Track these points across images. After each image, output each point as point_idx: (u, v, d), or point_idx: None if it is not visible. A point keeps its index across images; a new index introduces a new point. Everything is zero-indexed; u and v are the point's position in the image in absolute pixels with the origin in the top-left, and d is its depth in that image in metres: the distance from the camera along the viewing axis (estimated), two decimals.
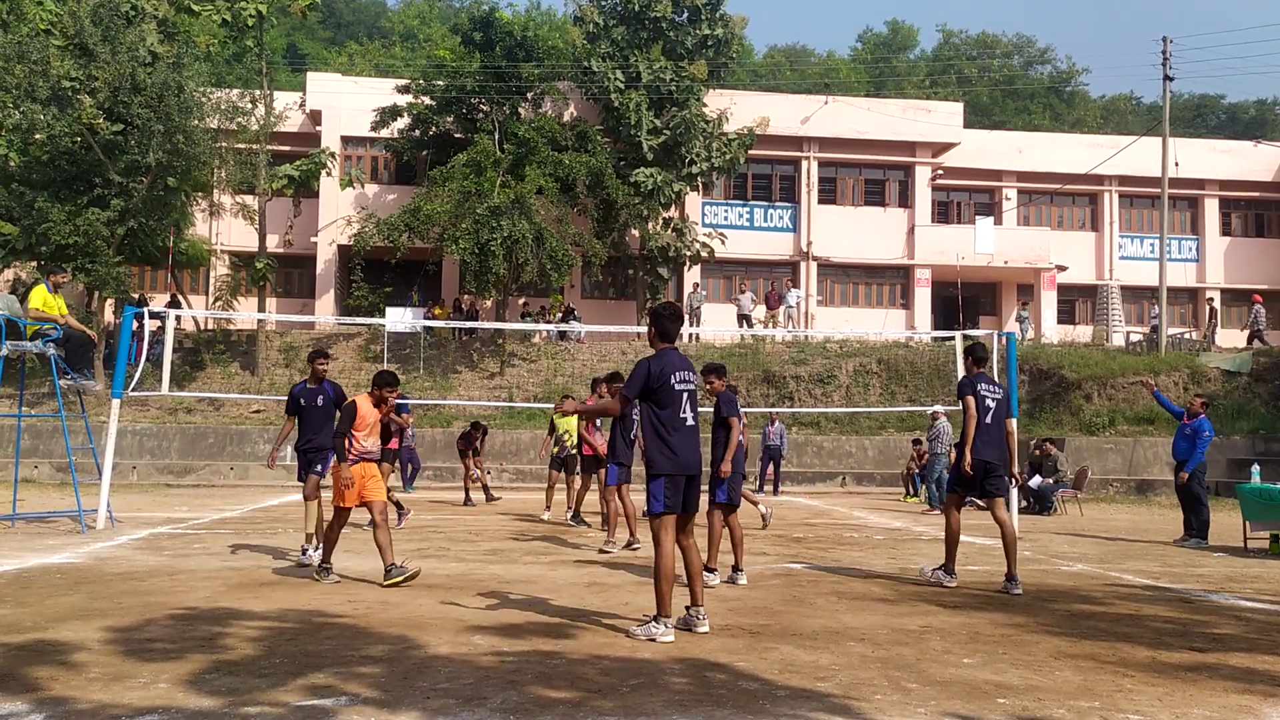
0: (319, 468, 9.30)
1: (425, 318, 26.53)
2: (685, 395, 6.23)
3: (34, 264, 24.01)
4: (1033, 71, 65.42)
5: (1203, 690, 5.07)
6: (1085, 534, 13.46)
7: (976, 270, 32.80)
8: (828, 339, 28.17)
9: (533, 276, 25.86)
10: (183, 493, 18.47)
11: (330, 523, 8.27)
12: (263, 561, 9.15)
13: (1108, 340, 30.44)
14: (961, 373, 15.68)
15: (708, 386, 8.42)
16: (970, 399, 8.20)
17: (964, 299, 31.73)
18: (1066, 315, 34.41)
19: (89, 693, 4.61)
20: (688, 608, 6.30)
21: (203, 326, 27.86)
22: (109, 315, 25.05)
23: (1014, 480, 13.46)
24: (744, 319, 29.24)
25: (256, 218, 26.48)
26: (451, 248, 25.09)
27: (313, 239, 30.99)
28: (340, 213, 30.35)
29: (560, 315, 29.14)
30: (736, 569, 8.35)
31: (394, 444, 12.72)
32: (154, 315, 15.50)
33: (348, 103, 30.60)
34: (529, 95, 29.31)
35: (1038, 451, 17.90)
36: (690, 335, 27.97)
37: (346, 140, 31.45)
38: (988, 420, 8.23)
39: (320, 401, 9.38)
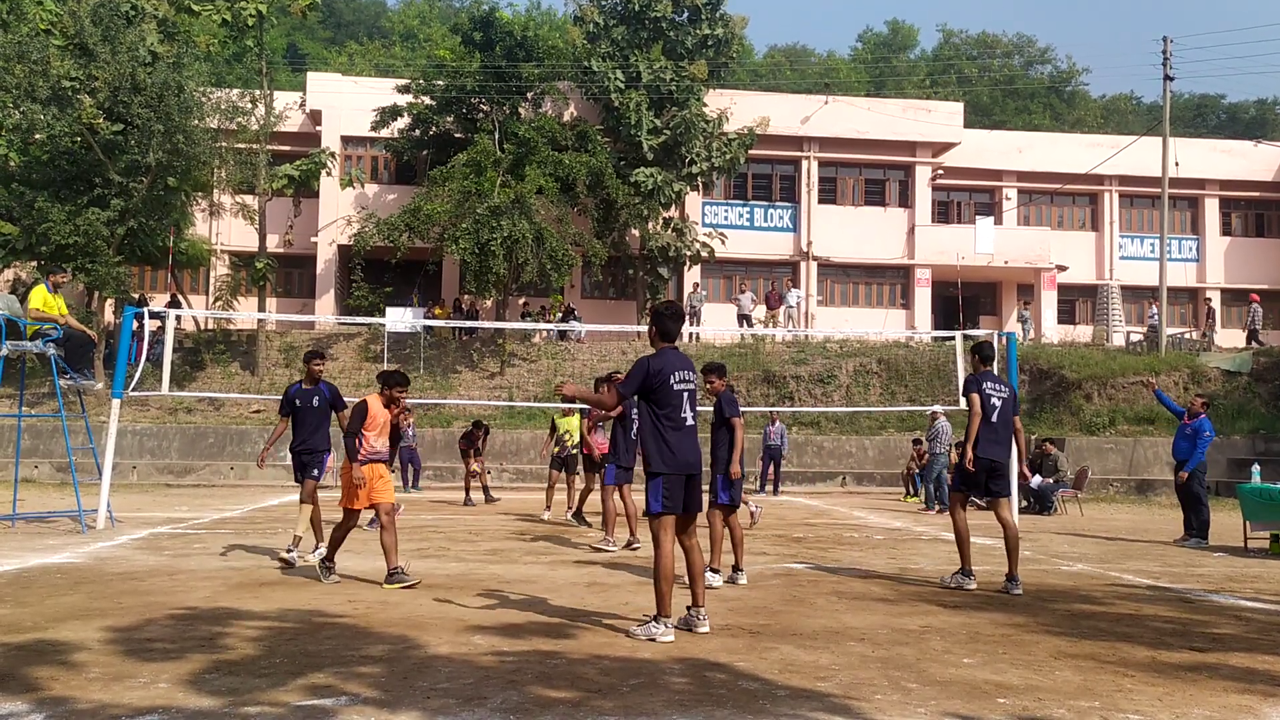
0: (315, 472, 9.23)
1: (425, 318, 26.52)
2: (685, 395, 6.22)
3: (34, 264, 24.02)
4: (1033, 71, 65.41)
5: (1203, 690, 5.07)
6: (1085, 534, 13.46)
7: (976, 270, 32.80)
8: (828, 339, 28.17)
9: (533, 276, 25.86)
10: (183, 493, 18.47)
11: (339, 524, 8.21)
12: (263, 561, 9.15)
13: (1108, 340, 30.44)
14: (962, 372, 15.79)
15: (708, 386, 8.39)
16: (975, 397, 8.16)
17: (964, 299, 31.73)
18: (1067, 315, 34.40)
19: (89, 692, 4.62)
20: (688, 608, 6.29)
21: (203, 326, 27.86)
22: (109, 315, 25.04)
23: (1023, 478, 13.43)
24: (744, 319, 29.24)
25: (256, 218, 26.48)
26: (451, 248, 25.09)
27: (313, 239, 30.99)
28: (340, 213, 30.35)
29: (560, 315, 29.14)
30: (737, 569, 8.35)
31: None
32: (154, 315, 15.50)
33: (348, 103, 30.61)
34: (529, 95, 29.30)
35: (1038, 450, 17.91)
36: (690, 335, 27.97)
37: (346, 140, 31.45)
38: (993, 419, 8.17)
39: (315, 403, 9.29)
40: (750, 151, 30.29)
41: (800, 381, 25.60)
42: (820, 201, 33.26)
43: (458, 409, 23.69)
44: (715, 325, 29.93)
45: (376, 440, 8.08)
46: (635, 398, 6.29)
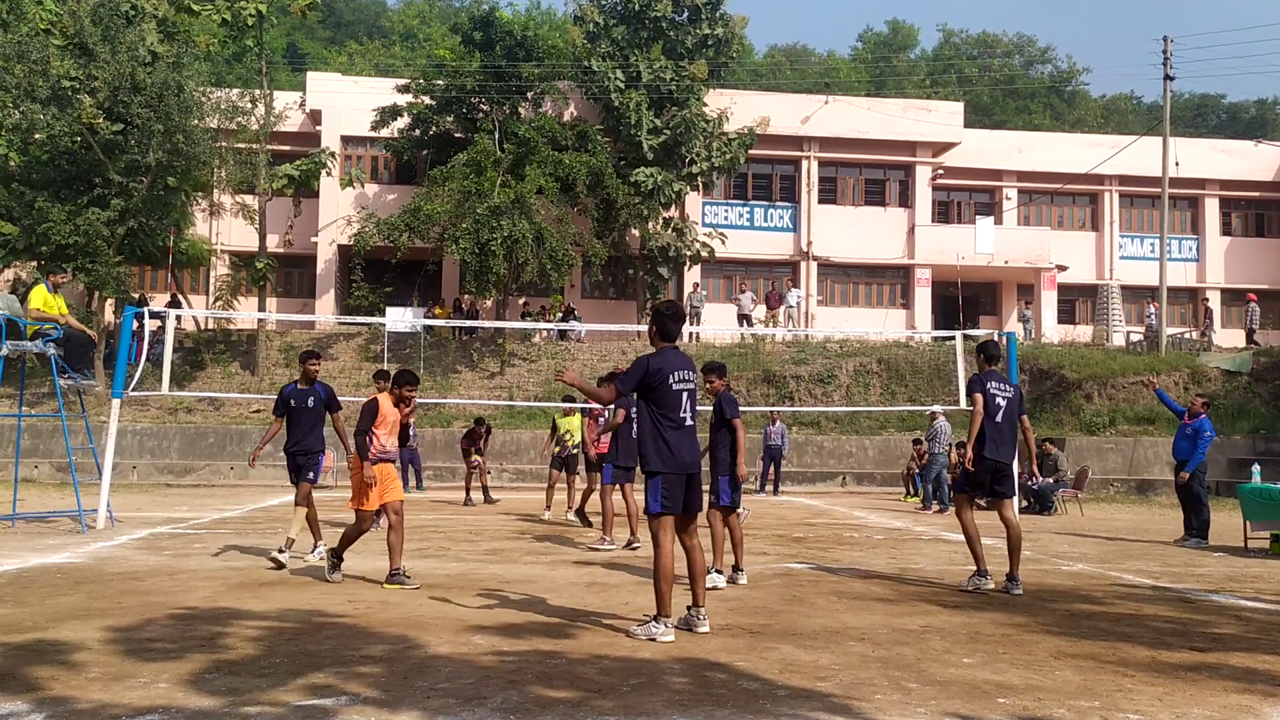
0: (310, 474, 9.15)
1: (425, 317, 26.52)
2: (684, 395, 6.21)
3: (34, 264, 24.02)
4: (1033, 71, 65.40)
5: (1203, 690, 5.07)
6: (1085, 534, 13.46)
7: (977, 270, 32.80)
8: (828, 339, 28.17)
9: (533, 276, 25.86)
10: (183, 492, 18.47)
11: (353, 525, 8.14)
12: (263, 561, 9.13)
13: (1108, 340, 30.45)
14: (963, 372, 15.80)
15: (708, 386, 8.35)
16: (978, 397, 8.10)
17: (964, 299, 31.73)
18: (1067, 315, 34.40)
19: (89, 692, 4.62)
20: (689, 608, 6.29)
21: (203, 326, 27.86)
22: (109, 315, 25.04)
23: (1033, 477, 13.40)
24: (744, 319, 29.23)
25: (256, 217, 26.47)
26: (451, 247, 25.09)
27: (313, 239, 30.99)
28: (340, 212, 30.35)
29: (560, 315, 29.14)
30: (737, 569, 8.34)
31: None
32: (154, 315, 15.50)
33: (348, 102, 30.60)
34: (529, 95, 29.30)
35: (1038, 450, 17.89)
36: (690, 335, 27.97)
37: (346, 140, 31.45)
38: (998, 419, 8.10)
39: (310, 403, 9.20)
40: (750, 151, 30.28)
41: (800, 381, 25.60)
42: (820, 201, 33.26)
43: (458, 409, 23.70)
44: (715, 325, 29.92)
45: (387, 439, 8.03)
46: (635, 397, 6.28)
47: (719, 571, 8.06)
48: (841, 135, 32.62)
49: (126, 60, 22.67)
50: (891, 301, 33.54)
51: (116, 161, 22.95)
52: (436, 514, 14.49)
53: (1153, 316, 30.66)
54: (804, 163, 33.13)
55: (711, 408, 8.25)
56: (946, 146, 33.65)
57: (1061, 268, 33.62)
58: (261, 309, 28.66)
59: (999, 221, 34.25)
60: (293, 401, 9.21)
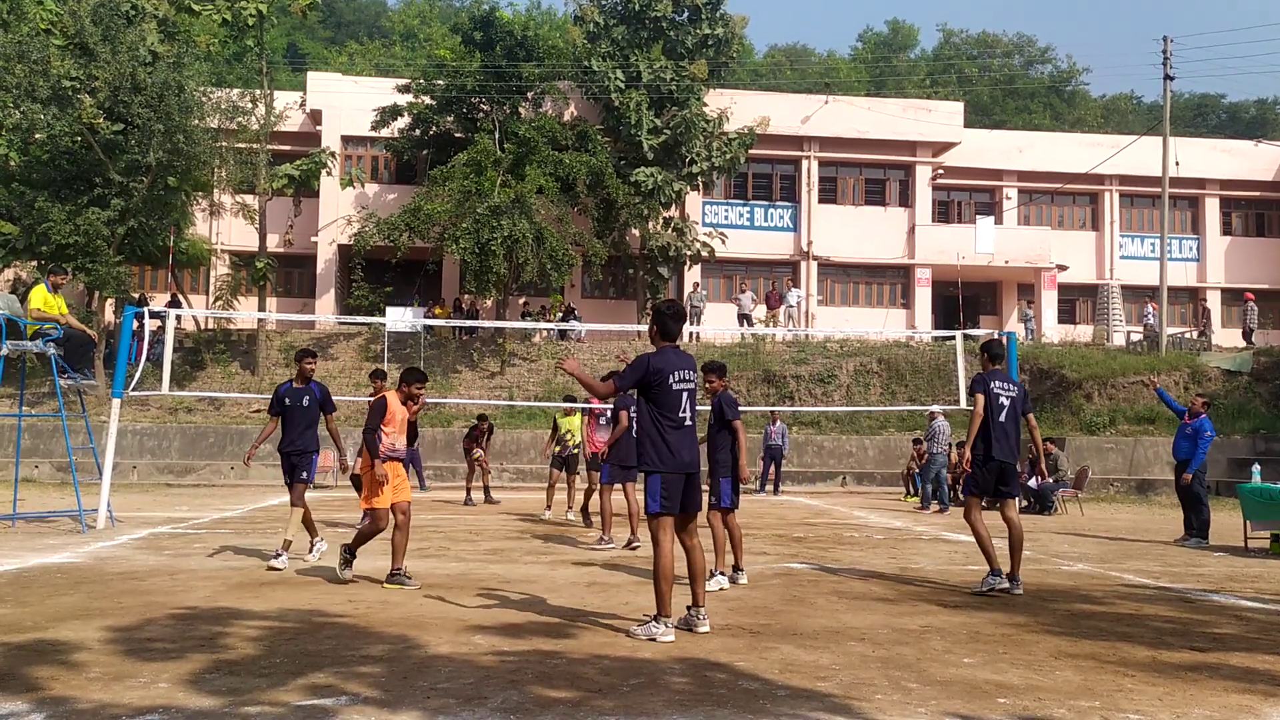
0: (305, 474, 9.09)
1: (425, 317, 26.53)
2: (684, 394, 6.21)
3: (34, 264, 24.03)
4: (1033, 71, 65.40)
5: (1203, 690, 5.07)
6: (1086, 534, 13.46)
7: (977, 270, 32.80)
8: (828, 339, 28.17)
9: (533, 276, 25.86)
10: (183, 492, 18.48)
11: (368, 524, 8.05)
12: (263, 561, 9.13)
13: (1108, 340, 30.45)
14: (963, 372, 15.79)
15: (707, 386, 8.30)
16: (980, 398, 8.06)
17: (964, 298, 31.73)
18: (1067, 315, 34.39)
19: (89, 692, 4.62)
20: (689, 608, 6.29)
21: (203, 326, 27.86)
22: (109, 315, 25.04)
23: (1040, 476, 13.39)
24: (744, 318, 29.23)
25: (257, 217, 26.48)
26: (452, 247, 25.09)
27: (313, 238, 30.99)
28: (340, 212, 30.35)
29: (560, 315, 29.15)
30: (737, 568, 8.34)
31: None
32: (154, 315, 15.51)
33: (348, 102, 30.61)
34: (529, 95, 29.30)
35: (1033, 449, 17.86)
36: (690, 335, 27.97)
37: (347, 140, 31.45)
38: (1002, 419, 8.04)
39: (305, 402, 9.12)
40: (750, 151, 30.28)
41: (800, 381, 25.60)
42: (820, 201, 33.26)
43: (458, 409, 23.70)
44: (715, 325, 29.93)
45: (396, 438, 7.97)
46: (636, 396, 6.28)
47: (721, 573, 8.05)
48: (841, 135, 32.62)
49: (127, 60, 22.67)
50: (892, 301, 33.54)
51: (117, 161, 22.95)
52: (437, 514, 14.49)
53: (1150, 316, 30.69)
54: (804, 163, 33.13)
55: (710, 408, 8.22)
56: (946, 146, 33.65)
57: (1062, 267, 33.62)
58: (261, 309, 28.66)
59: (999, 221, 34.25)
60: (287, 400, 9.13)
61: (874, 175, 33.89)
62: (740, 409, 8.31)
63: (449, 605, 7.03)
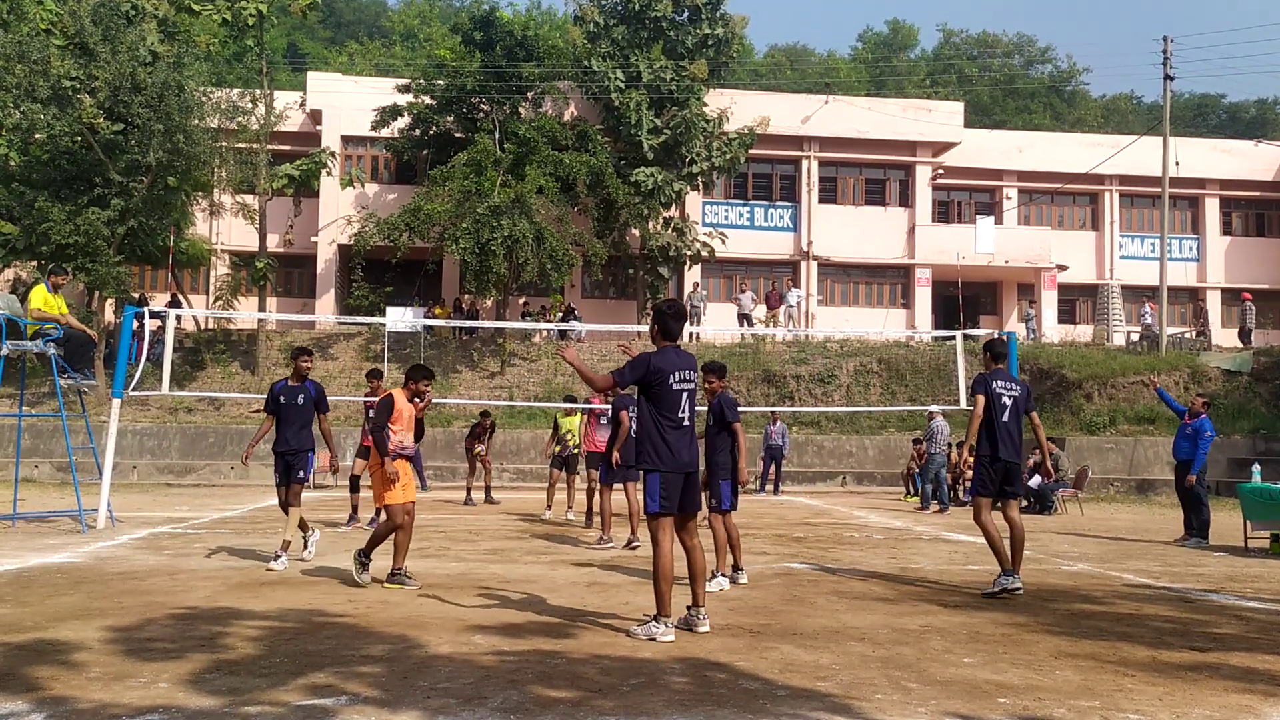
0: (302, 474, 9.02)
1: (425, 317, 26.53)
2: (684, 394, 6.21)
3: (34, 264, 24.03)
4: (1033, 71, 65.40)
5: (1203, 690, 5.07)
6: (1086, 533, 13.46)
7: (977, 270, 32.80)
8: (828, 339, 28.17)
9: (533, 276, 25.86)
10: (183, 492, 18.47)
11: (383, 523, 7.96)
12: (262, 561, 9.13)
13: (1108, 340, 30.45)
14: (963, 372, 15.79)
15: (707, 386, 8.27)
16: (980, 399, 8.03)
17: (964, 298, 31.73)
18: (1067, 315, 34.39)
19: (89, 692, 4.62)
20: (689, 608, 6.29)
21: (203, 326, 27.86)
22: (109, 315, 25.04)
23: (1046, 476, 13.31)
24: (744, 318, 29.24)
25: (257, 217, 26.48)
26: (452, 247, 25.09)
27: (313, 238, 31.00)
28: (340, 212, 30.36)
29: (560, 315, 29.15)
30: (737, 568, 8.34)
31: None
32: (154, 315, 15.51)
33: (348, 102, 30.61)
34: (529, 95, 29.30)
35: (1036, 452, 17.87)
36: (690, 335, 27.97)
37: (347, 140, 31.45)
38: (1005, 419, 8.01)
39: (300, 400, 9.02)
40: (750, 151, 30.28)
41: (800, 381, 25.60)
42: (820, 201, 33.26)
43: (458, 409, 23.69)
44: (715, 325, 29.93)
45: (404, 435, 7.92)
46: (636, 395, 6.29)
47: (722, 574, 8.05)
48: (841, 135, 32.62)
49: (127, 60, 22.66)
50: (892, 301, 33.54)
51: (117, 161, 22.95)
52: (437, 514, 14.48)
53: (1148, 316, 30.72)
54: (804, 162, 33.13)
55: (710, 409, 8.18)
56: (946, 146, 33.65)
57: (1062, 267, 33.62)
58: (261, 309, 28.65)
59: (999, 221, 34.25)
60: (282, 398, 9.03)
61: (874, 175, 33.89)
62: (740, 409, 8.30)
63: (449, 605, 7.03)
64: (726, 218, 32.76)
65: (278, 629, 6.12)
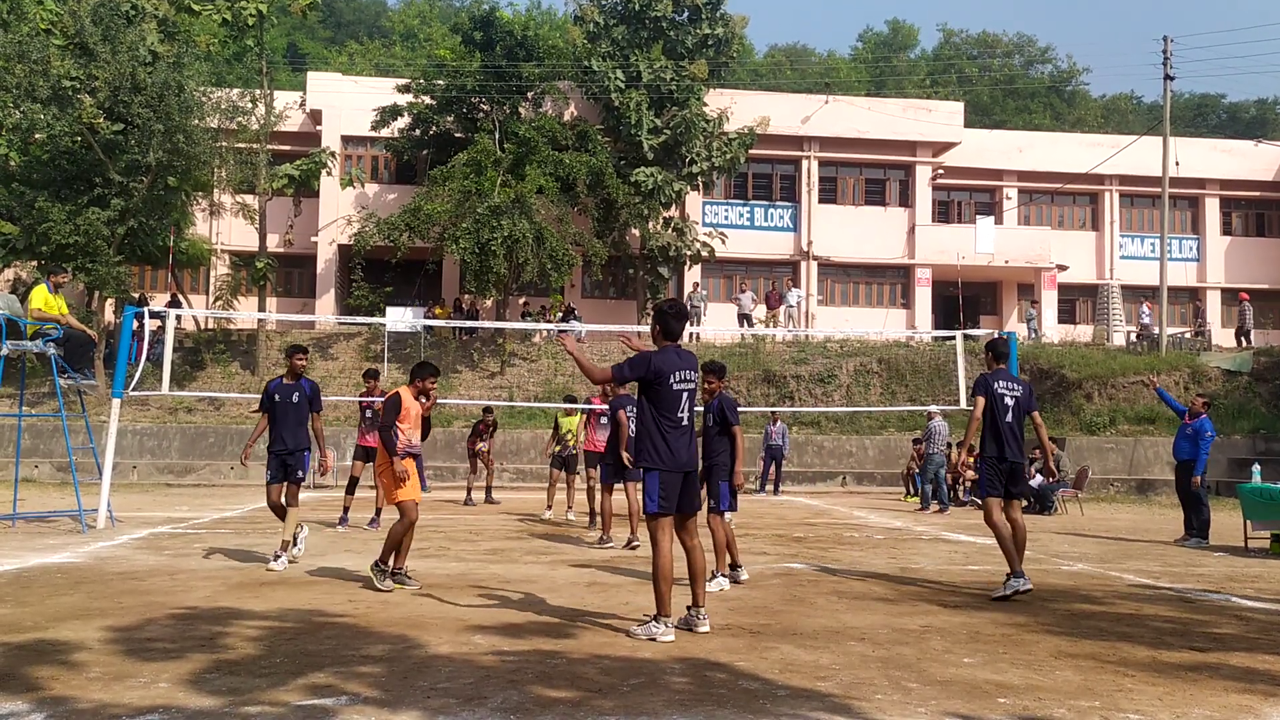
0: (300, 474, 8.97)
1: (425, 317, 26.52)
2: (684, 394, 6.22)
3: (34, 264, 24.02)
4: (1033, 71, 65.41)
5: (1203, 690, 5.07)
6: (1086, 533, 13.46)
7: (977, 270, 32.79)
8: (828, 339, 28.17)
9: (533, 276, 25.86)
10: (183, 492, 18.48)
11: (397, 522, 7.77)
12: (262, 561, 9.13)
13: (1108, 340, 30.46)
14: (963, 372, 15.79)
15: (706, 386, 8.23)
16: (980, 400, 8.02)
17: (964, 298, 31.72)
18: (1067, 315, 34.39)
19: (89, 692, 4.62)
20: (689, 608, 6.29)
21: (203, 326, 27.86)
22: (109, 315, 25.04)
23: (1050, 475, 13.25)
24: (744, 318, 29.24)
25: (257, 217, 26.47)
26: (452, 247, 25.09)
27: (313, 238, 31.00)
28: (340, 212, 30.36)
29: (560, 315, 29.15)
30: (735, 565, 8.34)
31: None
32: (154, 315, 15.50)
33: (348, 102, 30.61)
34: (529, 95, 29.30)
35: (1037, 451, 17.89)
36: (690, 335, 27.96)
37: (347, 140, 31.45)
38: (1008, 419, 7.99)
39: (295, 399, 8.93)
40: (750, 151, 30.28)
41: (800, 381, 25.60)
42: (820, 201, 33.26)
43: (458, 409, 23.69)
44: (715, 325, 29.93)
45: (411, 434, 7.86)
46: (635, 393, 6.29)
47: (723, 575, 8.05)
48: (841, 135, 32.62)
49: (127, 60, 22.66)
50: (892, 301, 33.54)
51: (117, 161, 22.94)
52: (437, 514, 14.48)
53: (1145, 316, 30.73)
54: (804, 162, 33.13)
55: (711, 410, 8.14)
56: (946, 146, 33.65)
57: (1062, 267, 33.62)
58: (261, 309, 28.65)
59: (999, 221, 34.24)
60: (277, 397, 8.93)
61: (874, 175, 33.89)
62: (740, 410, 8.30)
63: (449, 605, 7.03)
64: (726, 218, 32.76)
65: (278, 629, 6.12)
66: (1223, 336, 31.72)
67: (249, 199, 26.98)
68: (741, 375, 25.14)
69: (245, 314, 27.14)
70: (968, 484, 18.28)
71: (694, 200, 31.75)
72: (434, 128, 29.03)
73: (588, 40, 29.82)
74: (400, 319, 26.74)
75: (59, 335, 11.49)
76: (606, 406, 11.54)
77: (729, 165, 29.92)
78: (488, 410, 17.93)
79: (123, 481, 18.93)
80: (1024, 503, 16.26)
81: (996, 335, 15.98)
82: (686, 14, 30.12)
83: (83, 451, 15.83)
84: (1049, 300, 33.29)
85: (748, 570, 8.51)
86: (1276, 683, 5.25)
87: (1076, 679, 5.23)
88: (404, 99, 28.70)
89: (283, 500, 8.94)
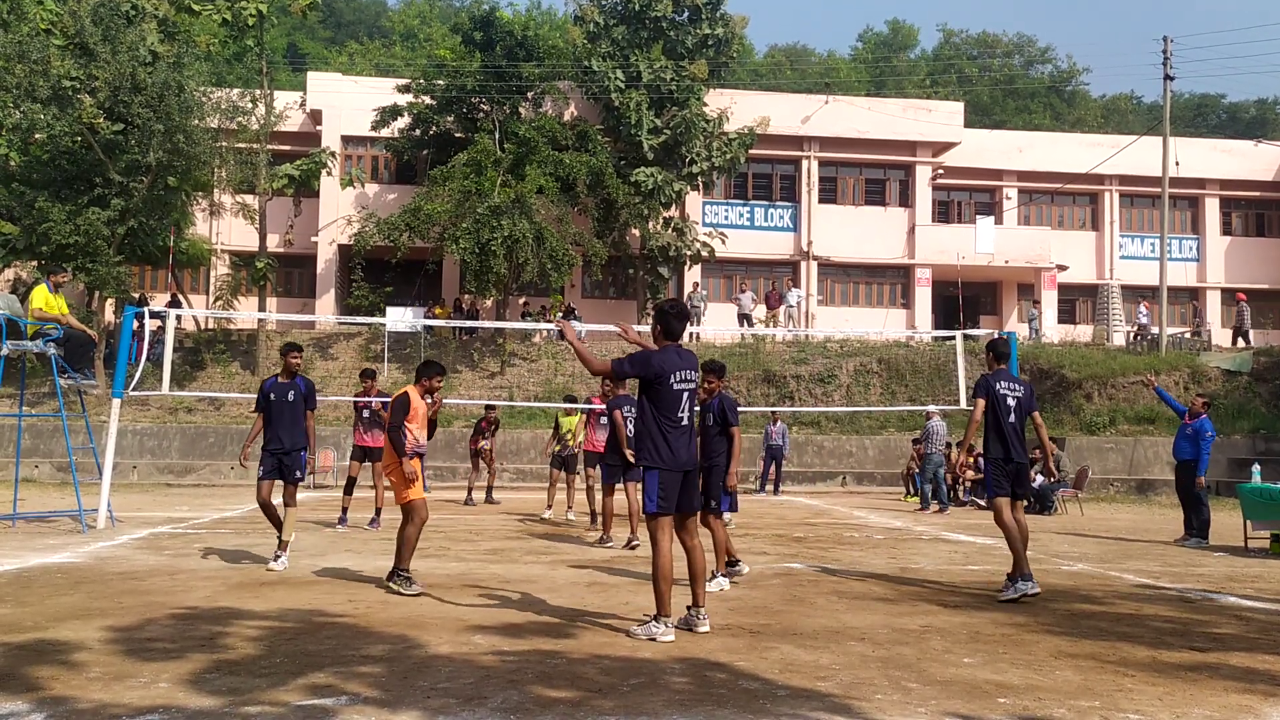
0: (298, 473, 8.94)
1: (425, 317, 26.52)
2: (685, 394, 6.22)
3: (34, 264, 24.02)
4: (1033, 71, 65.41)
5: (1203, 690, 5.07)
6: (1086, 533, 13.46)
7: (977, 270, 32.80)
8: (828, 339, 28.17)
9: (533, 276, 25.86)
10: (183, 492, 18.48)
11: (411, 526, 7.67)
12: (263, 561, 9.13)
13: (1108, 340, 30.46)
14: (963, 372, 15.79)
15: (705, 386, 8.19)
16: (981, 402, 8.00)
17: (964, 298, 31.72)
18: (1067, 315, 34.41)
19: (89, 692, 4.62)
20: (689, 608, 6.29)
21: (203, 326, 27.86)
22: (109, 315, 25.05)
23: (1050, 476, 13.18)
24: (744, 318, 29.24)
25: (257, 217, 26.48)
26: (452, 247, 25.10)
27: (313, 238, 31.00)
28: (340, 212, 30.36)
29: (560, 315, 29.14)
30: (732, 562, 8.34)
31: (382, 442, 12.49)
32: (154, 315, 15.50)
33: (348, 102, 30.61)
34: (529, 95, 29.30)
35: (1037, 452, 17.87)
36: (690, 335, 27.96)
37: (347, 140, 31.45)
38: (1011, 419, 7.98)
39: (290, 397, 8.88)
40: (750, 151, 30.28)
41: (800, 381, 25.60)
42: (820, 201, 33.26)
43: (458, 409, 23.69)
44: (715, 325, 29.93)
45: (419, 433, 7.83)
46: (634, 393, 6.30)
47: (723, 575, 8.05)
48: (841, 135, 32.62)
49: (127, 60, 22.66)
50: (892, 301, 33.54)
51: (117, 161, 22.94)
52: (437, 514, 14.44)
53: (1143, 316, 30.73)
54: (804, 162, 33.13)
55: (710, 409, 8.14)
56: (946, 146, 33.65)
57: (1062, 267, 33.62)
58: (261, 309, 28.66)
59: (999, 221, 34.25)
60: (272, 395, 8.89)
61: (874, 175, 33.89)
62: (740, 410, 8.30)
63: (449, 605, 7.03)
64: (726, 218, 32.76)
65: (278, 629, 6.12)
66: (1223, 336, 31.72)
67: (249, 199, 26.98)
68: (741, 375, 25.14)
69: (245, 314, 27.15)
70: (968, 484, 18.29)
71: (694, 200, 31.75)
72: (434, 128, 29.03)
73: (588, 40, 29.83)
74: (400, 319, 26.74)
75: (59, 335, 11.48)
76: (605, 407, 11.55)
77: (729, 165, 29.92)
78: (490, 407, 17.89)
79: (123, 481, 18.93)
80: (1025, 502, 16.32)
81: (996, 335, 15.98)
82: (686, 14, 30.13)
83: (83, 451, 15.83)
84: (1049, 300, 33.29)
85: (747, 567, 8.51)
86: (1276, 683, 5.25)
87: (1076, 679, 5.23)
88: (404, 99, 28.71)
89: (280, 499, 8.92)
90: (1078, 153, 34.53)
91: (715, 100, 30.26)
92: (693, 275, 31.34)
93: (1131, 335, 30.63)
